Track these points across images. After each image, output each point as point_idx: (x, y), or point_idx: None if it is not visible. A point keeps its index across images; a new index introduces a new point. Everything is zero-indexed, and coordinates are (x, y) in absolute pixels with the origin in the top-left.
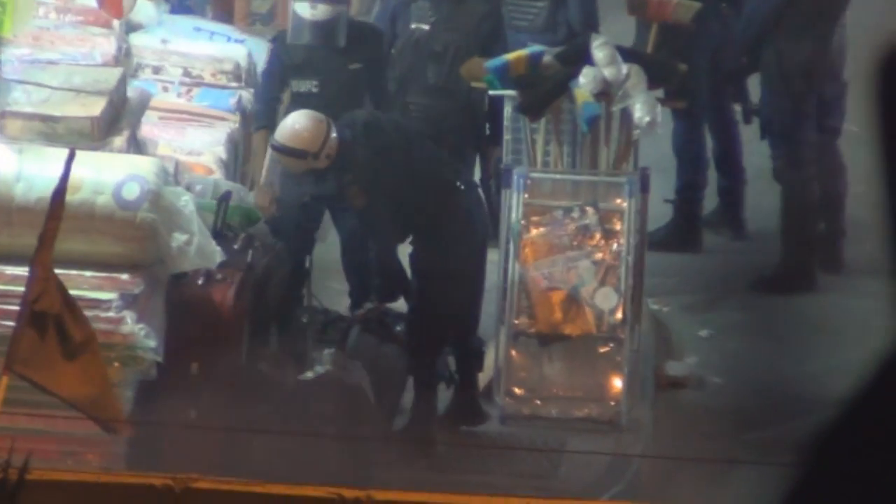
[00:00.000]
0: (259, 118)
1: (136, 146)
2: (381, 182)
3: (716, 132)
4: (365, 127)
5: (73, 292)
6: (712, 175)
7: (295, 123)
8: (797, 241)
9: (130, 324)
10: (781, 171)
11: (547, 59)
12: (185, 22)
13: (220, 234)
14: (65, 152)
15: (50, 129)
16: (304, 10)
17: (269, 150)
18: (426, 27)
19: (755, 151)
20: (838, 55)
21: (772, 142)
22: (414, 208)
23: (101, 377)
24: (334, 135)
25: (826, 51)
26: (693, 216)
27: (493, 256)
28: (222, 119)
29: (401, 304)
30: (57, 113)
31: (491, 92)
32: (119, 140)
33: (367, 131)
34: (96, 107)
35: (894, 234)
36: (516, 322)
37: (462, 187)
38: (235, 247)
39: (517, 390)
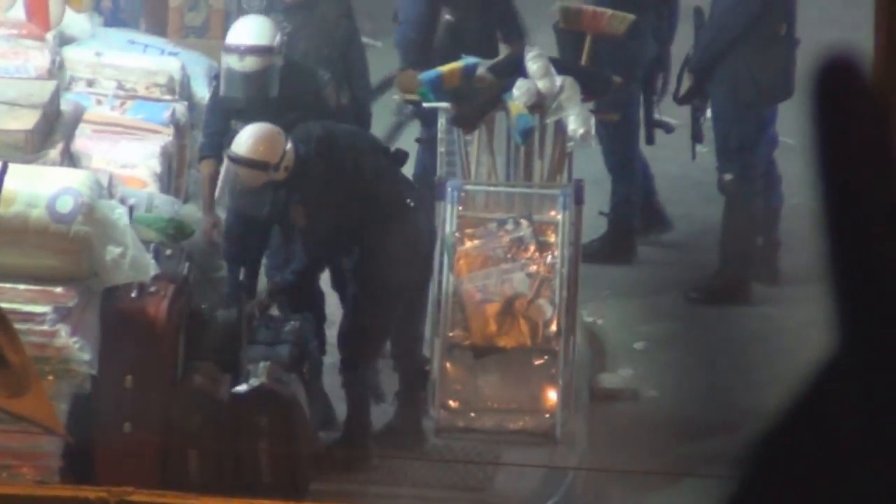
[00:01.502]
0: (203, 149)
1: (70, 159)
2: (328, 201)
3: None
4: (318, 142)
5: (6, 305)
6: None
7: (253, 135)
8: (735, 253)
9: (65, 337)
10: (730, 184)
11: (481, 71)
12: (119, 35)
13: None
14: None
15: None
16: (234, 62)
17: (224, 170)
18: (283, 37)
19: (687, 162)
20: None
21: (725, 156)
22: (359, 223)
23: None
24: (290, 146)
25: (788, 62)
26: (628, 228)
27: None
28: (156, 132)
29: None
30: None
31: (425, 104)
32: (53, 153)
33: (319, 146)
34: (30, 120)
35: (830, 246)
36: (451, 335)
37: (412, 204)
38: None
39: (452, 403)
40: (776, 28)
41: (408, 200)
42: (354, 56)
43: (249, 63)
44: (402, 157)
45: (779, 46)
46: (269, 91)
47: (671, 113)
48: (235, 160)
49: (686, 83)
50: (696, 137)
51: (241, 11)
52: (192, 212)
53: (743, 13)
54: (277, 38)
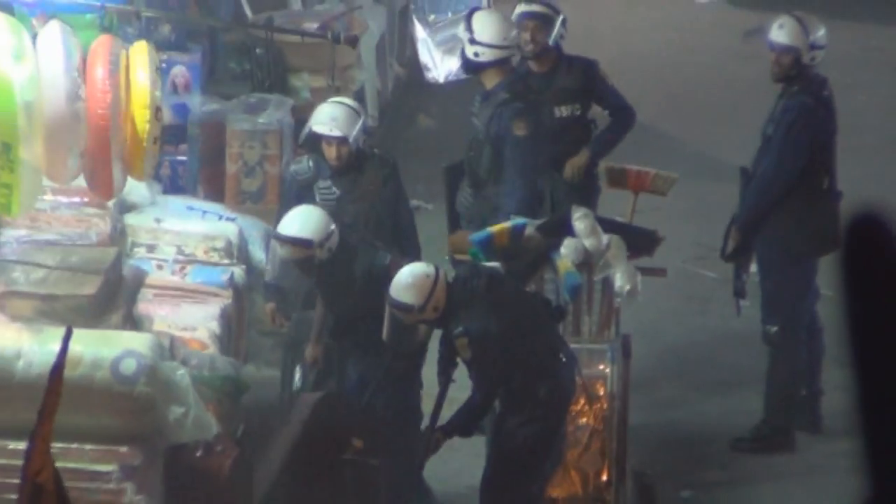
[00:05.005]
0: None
1: (133, 322)
2: (490, 338)
3: None
4: (488, 280)
5: (73, 465)
6: None
7: (404, 278)
8: (780, 403)
9: (130, 495)
10: (775, 336)
11: (529, 231)
12: (178, 201)
13: None
14: (63, 330)
15: (49, 308)
16: (278, 248)
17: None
18: (332, 203)
19: (730, 315)
20: None
21: (770, 308)
22: (517, 368)
23: None
24: (441, 287)
25: (833, 215)
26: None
27: None
28: (215, 295)
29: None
30: (55, 292)
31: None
32: (115, 317)
33: (489, 284)
34: (92, 285)
35: (866, 396)
36: None
37: (563, 360)
38: None
39: None
40: (819, 182)
41: (560, 355)
42: (402, 216)
43: (287, 252)
44: (562, 312)
45: (824, 199)
46: (308, 278)
47: (716, 268)
48: (388, 301)
49: (732, 241)
50: (739, 293)
51: (292, 181)
52: (251, 373)
53: (787, 171)
54: (321, 233)
